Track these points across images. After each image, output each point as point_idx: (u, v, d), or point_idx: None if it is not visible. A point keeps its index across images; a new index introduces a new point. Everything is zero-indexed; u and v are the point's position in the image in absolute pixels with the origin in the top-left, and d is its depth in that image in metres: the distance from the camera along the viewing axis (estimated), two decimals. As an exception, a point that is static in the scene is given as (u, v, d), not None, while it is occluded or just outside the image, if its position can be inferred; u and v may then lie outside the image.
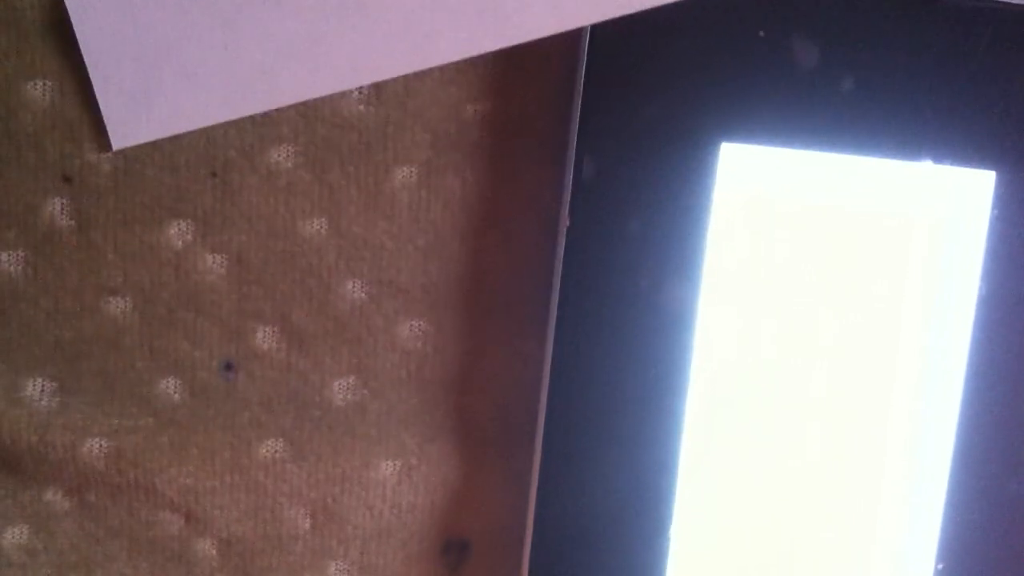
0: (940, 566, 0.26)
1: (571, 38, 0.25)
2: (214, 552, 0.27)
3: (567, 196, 0.24)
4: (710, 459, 0.26)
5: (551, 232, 0.26)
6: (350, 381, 0.27)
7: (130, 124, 0.25)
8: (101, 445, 0.26)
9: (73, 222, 0.25)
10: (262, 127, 0.25)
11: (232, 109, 0.25)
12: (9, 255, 0.26)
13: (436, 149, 0.26)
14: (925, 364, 0.26)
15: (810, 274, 0.25)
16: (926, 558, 0.26)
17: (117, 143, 0.25)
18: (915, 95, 0.24)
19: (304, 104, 0.25)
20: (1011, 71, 0.25)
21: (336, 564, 0.27)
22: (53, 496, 0.27)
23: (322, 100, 0.25)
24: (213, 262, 0.26)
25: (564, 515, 0.25)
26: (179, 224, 0.26)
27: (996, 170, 0.25)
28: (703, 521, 0.26)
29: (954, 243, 0.25)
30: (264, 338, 0.26)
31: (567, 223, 0.24)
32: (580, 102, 0.24)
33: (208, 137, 0.25)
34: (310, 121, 0.25)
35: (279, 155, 0.25)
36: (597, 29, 0.24)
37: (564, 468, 0.25)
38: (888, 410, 0.26)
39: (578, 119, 0.24)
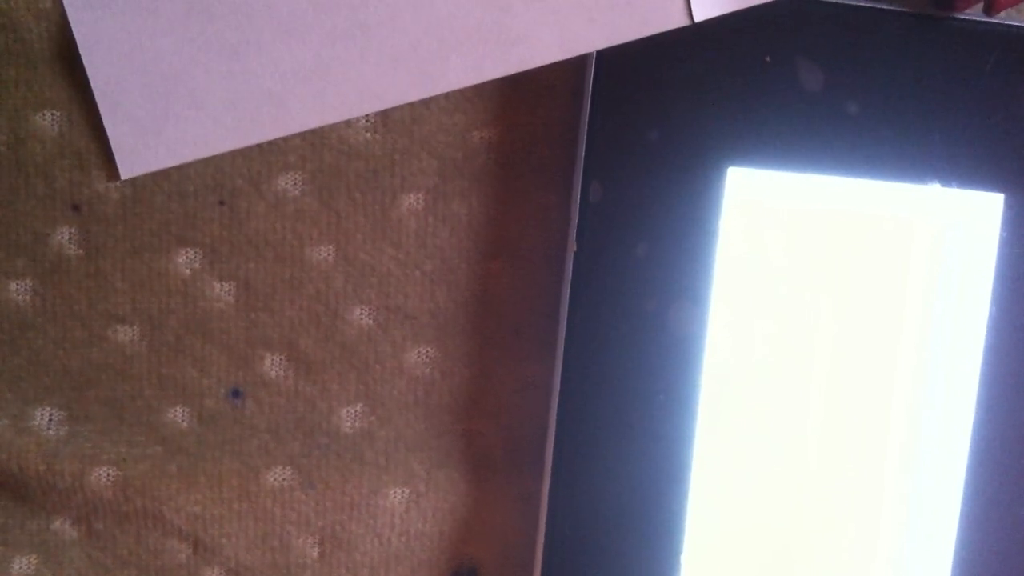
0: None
1: (577, 64, 0.25)
2: (222, 580, 0.27)
3: (574, 221, 0.24)
4: (721, 480, 0.25)
5: (558, 257, 0.26)
6: (358, 408, 0.26)
7: (138, 153, 0.25)
8: (109, 473, 0.26)
9: (81, 251, 0.25)
10: (269, 155, 0.25)
11: (240, 137, 0.25)
12: (18, 284, 0.26)
13: (443, 176, 0.26)
14: (936, 386, 0.26)
15: (818, 296, 0.25)
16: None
17: (125, 172, 0.25)
18: (921, 118, 0.24)
19: (311, 132, 0.25)
20: (1017, 93, 0.25)
21: (345, 591, 0.27)
22: (61, 525, 0.27)
23: (329, 128, 0.25)
24: (221, 289, 0.26)
25: (573, 540, 0.25)
26: (187, 252, 0.26)
27: (1004, 192, 0.25)
28: (715, 544, 0.26)
29: (963, 265, 0.25)
30: (272, 365, 0.26)
31: (574, 248, 0.24)
32: (586, 127, 0.24)
33: (216, 165, 0.25)
34: (317, 149, 0.25)
35: (286, 183, 0.26)
36: (602, 55, 0.24)
37: (573, 493, 0.25)
38: (898, 432, 0.26)
39: (584, 144, 0.24)
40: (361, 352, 0.26)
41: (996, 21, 0.25)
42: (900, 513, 0.26)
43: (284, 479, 0.27)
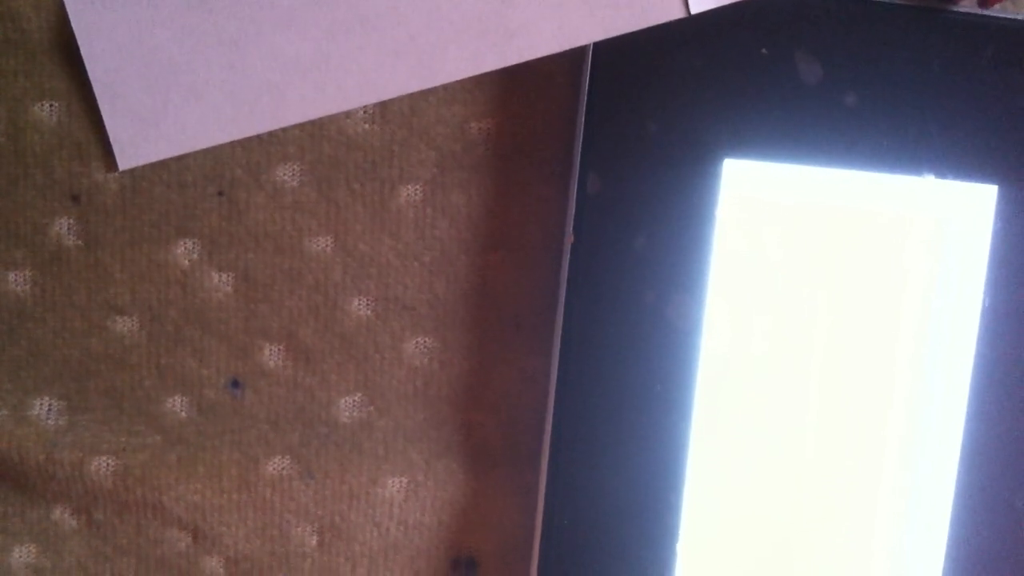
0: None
1: (574, 56, 0.25)
2: (221, 570, 0.27)
3: (571, 212, 0.25)
4: (717, 472, 0.26)
5: (556, 248, 0.26)
6: (357, 398, 0.27)
7: (137, 144, 0.25)
8: (109, 463, 0.26)
9: (80, 241, 0.26)
10: (268, 146, 0.25)
11: (238, 128, 0.25)
12: (17, 274, 0.26)
13: (441, 167, 0.26)
14: (930, 377, 0.26)
15: (814, 288, 0.25)
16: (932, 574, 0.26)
17: (124, 163, 0.25)
18: (917, 110, 0.25)
19: (310, 123, 0.25)
20: (1012, 85, 0.25)
21: (343, 581, 0.27)
22: (61, 514, 0.27)
23: (328, 119, 0.25)
24: (220, 280, 0.26)
25: (571, 531, 0.25)
26: (186, 243, 0.26)
27: (998, 184, 0.25)
28: (711, 535, 0.26)
29: (957, 256, 0.25)
30: (271, 355, 0.26)
31: (572, 239, 0.25)
32: (583, 119, 0.24)
33: (214, 156, 0.25)
34: (316, 140, 0.25)
35: (285, 173, 0.26)
36: (600, 47, 0.24)
37: (571, 484, 0.25)
38: (893, 424, 0.26)
39: (582, 136, 0.24)
40: (360, 343, 0.26)
41: (991, 14, 0.25)
42: (896, 503, 0.26)
43: (283, 469, 0.27)
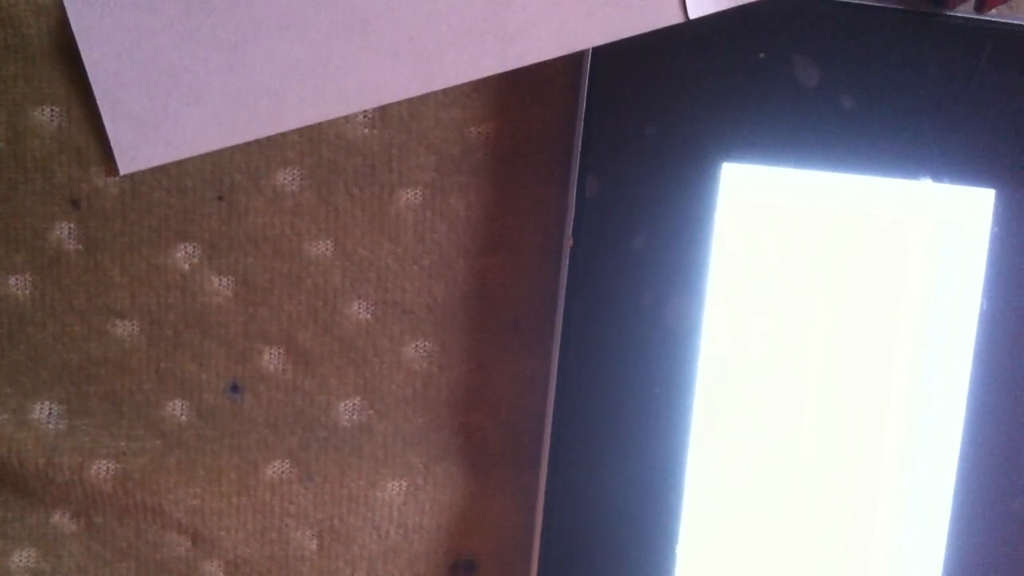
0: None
1: (573, 60, 0.25)
2: (221, 574, 0.27)
3: (570, 216, 0.25)
4: (716, 473, 0.26)
5: (555, 251, 0.26)
6: (356, 402, 0.27)
7: (137, 148, 0.25)
8: (108, 467, 0.26)
9: (81, 246, 0.26)
10: (268, 150, 0.25)
11: (238, 133, 0.25)
12: (17, 279, 0.26)
13: (440, 171, 0.26)
14: (929, 380, 0.26)
15: (812, 291, 0.26)
16: None
17: (124, 167, 0.25)
18: (914, 114, 0.25)
19: (309, 127, 0.25)
20: (1009, 89, 0.25)
21: (343, 584, 0.27)
22: (60, 518, 0.27)
23: (327, 123, 0.25)
24: (220, 284, 0.26)
25: (571, 533, 0.25)
26: (186, 247, 0.26)
27: (995, 188, 0.25)
28: (710, 537, 0.26)
29: (954, 260, 0.26)
30: (270, 359, 0.26)
31: (570, 243, 0.25)
32: (582, 123, 0.24)
33: (214, 161, 0.25)
34: (315, 144, 0.25)
35: (285, 178, 0.26)
36: (598, 51, 0.24)
37: (570, 486, 0.25)
38: (892, 426, 0.26)
39: (580, 140, 0.24)
40: (359, 346, 0.26)
41: (988, 18, 0.25)
42: (896, 505, 0.26)
43: (283, 472, 0.27)
